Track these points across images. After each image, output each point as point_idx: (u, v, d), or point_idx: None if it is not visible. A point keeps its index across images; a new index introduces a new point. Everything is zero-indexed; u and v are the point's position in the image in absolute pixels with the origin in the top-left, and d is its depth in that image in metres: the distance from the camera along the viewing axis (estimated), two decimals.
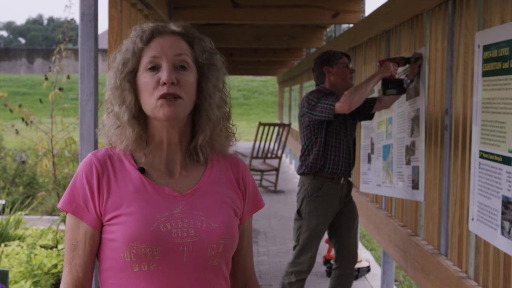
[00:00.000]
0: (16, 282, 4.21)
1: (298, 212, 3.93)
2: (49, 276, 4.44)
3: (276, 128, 11.79)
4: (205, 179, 1.50)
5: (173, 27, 1.49)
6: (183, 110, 1.43)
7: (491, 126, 2.42)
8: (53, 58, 6.25)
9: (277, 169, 10.48)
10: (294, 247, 3.96)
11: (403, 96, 3.73)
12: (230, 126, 1.53)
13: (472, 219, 2.60)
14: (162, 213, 1.42)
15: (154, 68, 1.44)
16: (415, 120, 3.56)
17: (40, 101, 6.44)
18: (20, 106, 6.15)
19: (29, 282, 4.16)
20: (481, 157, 2.51)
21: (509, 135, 2.26)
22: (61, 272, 4.54)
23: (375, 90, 4.23)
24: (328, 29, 9.46)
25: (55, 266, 4.58)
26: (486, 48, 2.47)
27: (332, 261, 5.06)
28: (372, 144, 4.45)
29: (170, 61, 1.43)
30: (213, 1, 6.37)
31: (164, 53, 1.43)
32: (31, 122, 6.05)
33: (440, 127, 3.21)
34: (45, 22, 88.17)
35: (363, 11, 6.39)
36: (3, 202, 7.21)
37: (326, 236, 4.44)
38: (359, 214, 4.20)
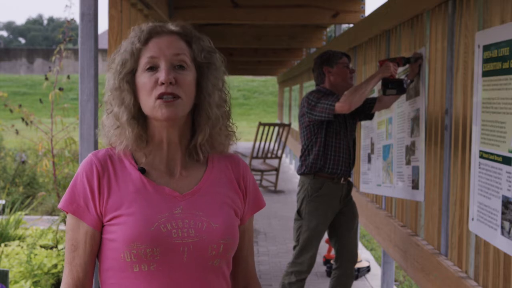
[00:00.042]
0: (16, 282, 4.21)
1: (298, 212, 3.93)
2: (49, 276, 4.44)
3: (276, 128, 11.79)
4: (205, 179, 1.50)
5: (171, 26, 1.49)
6: (182, 110, 1.43)
7: (491, 126, 2.42)
8: (53, 58, 6.25)
9: (277, 169, 10.48)
10: (294, 247, 3.96)
11: (403, 96, 3.73)
12: (230, 125, 1.53)
13: (472, 219, 2.60)
14: (163, 213, 1.42)
15: (153, 68, 1.44)
16: (415, 120, 3.56)
17: (40, 101, 6.44)
18: (20, 106, 6.15)
19: (29, 282, 4.16)
20: (481, 157, 2.51)
21: (509, 135, 2.26)
22: (61, 272, 4.55)
23: (375, 90, 4.23)
24: (328, 29, 9.46)
25: (55, 266, 4.58)
26: (486, 48, 2.47)
27: (332, 261, 5.06)
28: (372, 144, 4.45)
29: (168, 61, 1.43)
30: (213, 1, 6.37)
31: (162, 53, 1.43)
32: (31, 122, 6.05)
33: (440, 127, 3.21)
34: (45, 22, 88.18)
35: (363, 11, 6.39)
36: (3, 202, 7.21)
37: (326, 236, 4.44)
38: (359, 214, 4.20)
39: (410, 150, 3.62)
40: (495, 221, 2.36)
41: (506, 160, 2.27)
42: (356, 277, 5.32)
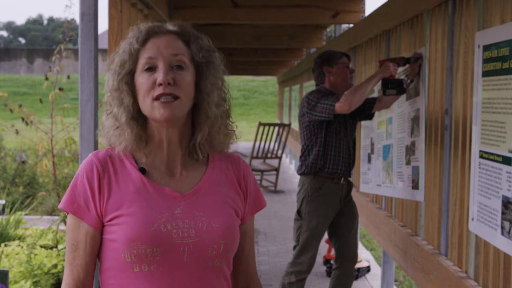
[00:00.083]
0: (16, 282, 4.21)
1: (298, 212, 3.93)
2: (49, 276, 4.44)
3: (276, 128, 11.79)
4: (206, 179, 1.50)
5: (169, 26, 1.49)
6: (180, 111, 1.43)
7: (491, 126, 2.42)
8: (53, 58, 6.25)
9: (277, 169, 10.48)
10: (294, 247, 3.96)
11: (403, 96, 3.73)
12: (230, 124, 1.53)
13: (472, 219, 2.60)
14: (163, 214, 1.42)
15: (151, 69, 1.44)
16: (415, 120, 3.56)
17: (40, 101, 6.44)
18: (20, 106, 6.15)
19: (29, 282, 4.16)
20: (481, 157, 2.51)
21: (509, 135, 2.26)
22: (61, 272, 4.54)
23: (375, 90, 4.23)
24: (328, 29, 9.46)
25: (55, 266, 4.58)
26: (486, 48, 2.47)
27: (332, 261, 5.06)
28: (372, 144, 4.45)
29: (167, 61, 1.43)
30: (213, 1, 6.37)
31: (160, 53, 1.43)
32: (31, 122, 6.05)
33: (440, 127, 3.21)
34: (45, 22, 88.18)
35: (363, 11, 6.39)
36: (3, 202, 7.21)
37: (326, 236, 4.44)
38: (359, 214, 4.20)
39: (410, 150, 3.62)
40: (495, 221, 2.36)
41: (506, 160, 2.27)
42: (356, 277, 5.32)
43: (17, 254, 4.83)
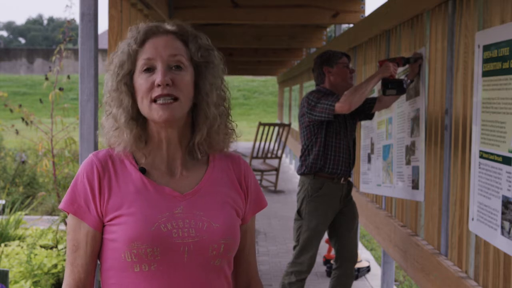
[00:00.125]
0: (16, 282, 4.21)
1: (298, 212, 3.93)
2: (49, 276, 4.44)
3: (276, 128, 11.80)
4: (206, 179, 1.50)
5: (167, 26, 1.49)
6: (179, 112, 1.43)
7: (491, 126, 2.42)
8: (53, 58, 6.24)
9: (277, 169, 10.48)
10: (294, 247, 3.96)
11: (403, 96, 3.73)
12: (229, 123, 1.53)
13: (472, 219, 2.60)
14: (163, 213, 1.42)
15: (149, 69, 1.43)
16: (415, 120, 3.56)
17: (40, 101, 6.43)
18: (20, 106, 6.14)
19: (29, 282, 4.16)
20: (481, 157, 2.51)
21: (509, 135, 2.26)
22: (61, 272, 4.54)
23: (375, 90, 4.23)
24: (328, 29, 9.46)
25: (55, 266, 4.58)
26: (486, 48, 2.47)
27: (332, 261, 5.06)
28: (372, 144, 4.45)
29: (165, 62, 1.43)
30: (213, 1, 6.37)
31: (159, 54, 1.43)
32: (31, 122, 6.05)
33: (440, 127, 3.21)
34: (45, 22, 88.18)
35: (363, 11, 6.39)
36: (3, 202, 7.21)
37: (326, 236, 4.44)
38: (359, 214, 4.20)
39: (410, 150, 3.62)
40: (495, 221, 2.36)
41: (506, 160, 2.27)
42: (356, 277, 5.32)
43: (17, 254, 4.83)
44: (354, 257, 4.03)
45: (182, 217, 1.43)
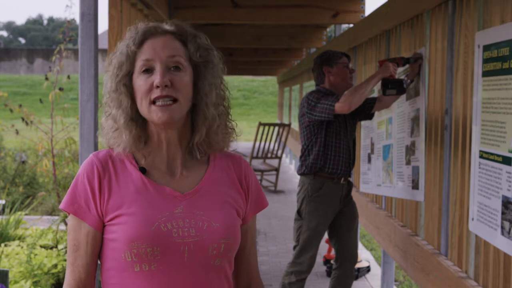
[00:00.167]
0: (16, 282, 4.21)
1: (298, 212, 3.93)
2: (49, 276, 4.44)
3: (276, 128, 11.80)
4: (206, 179, 1.50)
5: (166, 26, 1.48)
6: (178, 113, 1.42)
7: (491, 126, 2.42)
8: (53, 58, 6.24)
9: (277, 169, 10.48)
10: (294, 247, 3.96)
11: (403, 96, 3.73)
12: (229, 123, 1.52)
13: (472, 219, 2.60)
14: (163, 213, 1.42)
15: (148, 70, 1.43)
16: (415, 120, 3.56)
17: (40, 101, 6.43)
18: (20, 106, 6.14)
19: (29, 282, 4.16)
20: (481, 157, 2.51)
21: (509, 135, 2.26)
22: (61, 272, 4.54)
23: (375, 90, 4.23)
24: (328, 29, 9.47)
25: (55, 266, 4.58)
26: (486, 48, 2.47)
27: (332, 261, 5.06)
28: (372, 144, 4.45)
29: (164, 63, 1.43)
30: (213, 1, 6.37)
31: (157, 55, 1.43)
32: (31, 122, 6.05)
33: (440, 127, 3.21)
34: (45, 22, 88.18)
35: (363, 11, 6.39)
36: (3, 202, 7.21)
37: (326, 236, 4.44)
38: (359, 214, 4.20)
39: (410, 150, 3.62)
40: (495, 221, 2.36)
41: (506, 160, 2.27)
42: (356, 277, 5.32)
43: (17, 254, 4.83)
44: (354, 257, 4.03)
45: (182, 216, 1.42)
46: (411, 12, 3.68)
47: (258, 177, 10.80)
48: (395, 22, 4.08)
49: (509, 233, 2.25)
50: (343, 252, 4.00)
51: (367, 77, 3.96)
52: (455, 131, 2.96)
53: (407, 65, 3.59)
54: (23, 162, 9.82)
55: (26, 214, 7.04)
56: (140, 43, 1.45)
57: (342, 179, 3.91)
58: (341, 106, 3.61)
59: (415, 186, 3.55)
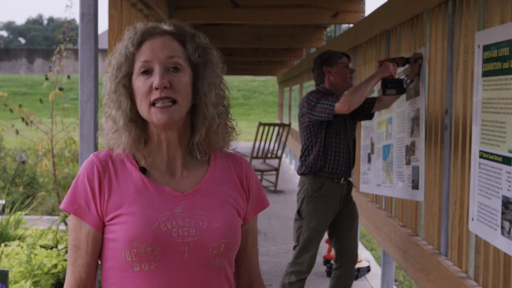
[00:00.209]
0: (16, 282, 4.21)
1: (298, 212, 3.93)
2: (49, 276, 4.44)
3: (276, 128, 11.80)
4: (207, 179, 1.50)
5: (164, 26, 1.48)
6: (178, 114, 1.42)
7: (491, 126, 2.42)
8: (53, 58, 6.24)
9: (277, 169, 10.48)
10: (294, 247, 3.96)
11: (403, 96, 3.73)
12: (229, 122, 1.52)
13: (472, 219, 2.60)
14: (163, 213, 1.42)
15: (147, 71, 1.43)
16: (415, 120, 3.56)
17: (40, 101, 6.43)
18: (20, 106, 6.14)
19: (29, 282, 4.16)
20: (481, 157, 2.51)
21: (509, 135, 2.26)
22: (61, 272, 4.55)
23: (375, 90, 4.23)
24: (328, 29, 9.47)
25: (55, 266, 4.58)
26: (486, 48, 2.47)
27: (332, 261, 5.06)
28: (372, 144, 4.45)
29: (162, 64, 1.42)
30: (213, 1, 6.37)
31: (156, 56, 1.43)
32: (31, 122, 6.05)
33: (440, 127, 3.21)
34: (45, 22, 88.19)
35: (363, 11, 6.39)
36: (3, 202, 7.21)
37: (326, 236, 4.44)
38: (359, 214, 4.20)
39: (410, 150, 3.62)
40: (495, 221, 2.36)
41: (506, 160, 2.27)
42: (356, 277, 5.32)
43: (17, 254, 4.83)
44: (354, 257, 4.03)
45: (182, 216, 1.43)
46: (411, 12, 3.68)
47: (258, 177, 10.79)
48: (395, 22, 4.08)
49: (509, 233, 2.25)
50: (343, 252, 4.00)
51: (367, 77, 3.96)
52: (455, 131, 2.96)
53: (407, 65, 3.59)
54: (23, 162, 9.82)
55: (26, 214, 7.04)
56: (138, 44, 1.45)
57: (342, 179, 3.91)
58: (341, 106, 3.61)
59: (415, 186, 3.55)
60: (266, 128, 10.94)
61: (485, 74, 2.48)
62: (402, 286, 5.77)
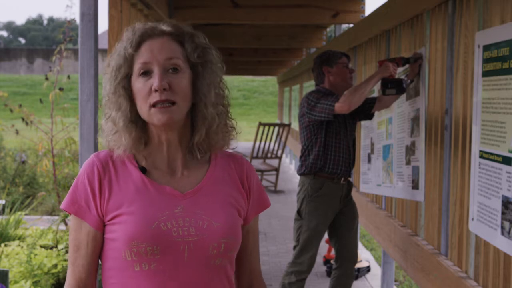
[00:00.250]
0: (16, 282, 4.21)
1: (298, 212, 3.93)
2: (49, 276, 4.44)
3: (276, 128, 11.80)
4: (207, 178, 1.50)
5: (163, 27, 1.48)
6: (178, 115, 1.42)
7: (491, 126, 2.42)
8: (53, 58, 6.24)
9: (277, 169, 10.48)
10: (294, 247, 3.96)
11: (403, 96, 3.73)
12: (228, 122, 1.52)
13: (472, 219, 2.60)
14: (163, 212, 1.42)
15: (146, 73, 1.43)
16: (415, 120, 3.56)
17: (40, 101, 6.44)
18: (20, 106, 6.14)
19: (29, 282, 4.16)
20: (481, 157, 2.51)
21: (509, 135, 2.26)
22: (61, 272, 4.55)
23: (375, 90, 4.23)
24: (328, 29, 9.47)
25: (55, 266, 4.58)
26: (486, 48, 2.47)
27: (332, 261, 5.06)
28: (372, 144, 4.45)
29: (161, 65, 1.42)
30: (213, 1, 6.37)
31: (155, 57, 1.43)
32: (31, 122, 6.05)
33: (440, 127, 3.21)
34: (45, 22, 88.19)
35: (363, 11, 6.39)
36: (3, 202, 7.21)
37: (326, 236, 4.44)
38: (359, 214, 4.20)
39: (410, 150, 3.62)
40: (495, 221, 2.36)
41: (506, 160, 2.27)
42: (356, 277, 5.32)
43: (17, 254, 4.83)
44: (354, 257, 4.03)
45: (182, 215, 1.43)
46: (411, 12, 3.68)
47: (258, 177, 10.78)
48: (395, 22, 4.08)
49: (509, 233, 2.25)
50: (343, 252, 4.00)
51: (367, 77, 3.96)
52: (455, 131, 2.96)
53: (407, 65, 3.59)
54: (23, 162, 9.82)
55: (26, 214, 7.04)
56: (137, 46, 1.45)
57: (342, 179, 3.91)
58: (341, 106, 3.61)
59: (415, 186, 3.55)
60: (266, 128, 10.94)
61: (485, 74, 2.48)
62: (402, 286, 5.77)
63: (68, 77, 6.09)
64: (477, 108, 2.56)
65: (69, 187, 5.72)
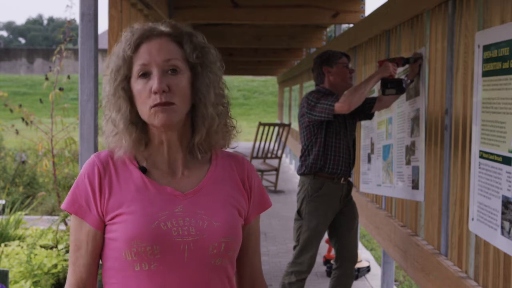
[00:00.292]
0: (16, 282, 4.21)
1: (298, 212, 3.93)
2: (49, 276, 4.44)
3: (276, 128, 11.80)
4: (208, 178, 1.50)
5: (161, 27, 1.47)
6: (177, 116, 1.42)
7: (491, 126, 2.42)
8: (53, 58, 6.24)
9: (277, 169, 10.48)
10: (294, 247, 3.96)
11: (403, 96, 3.73)
12: (228, 122, 1.52)
13: (472, 219, 2.60)
14: (163, 212, 1.42)
15: (146, 74, 1.43)
16: (415, 120, 3.56)
17: (40, 101, 6.44)
18: (20, 106, 6.14)
19: (29, 282, 4.16)
20: (481, 157, 2.51)
21: (509, 135, 2.26)
22: (61, 272, 4.55)
23: (375, 90, 4.23)
24: (328, 29, 9.47)
25: (55, 266, 4.58)
26: (486, 48, 2.47)
27: (332, 261, 5.06)
28: (372, 144, 4.45)
29: (160, 67, 1.42)
30: (213, 1, 6.37)
31: (153, 59, 1.42)
32: (31, 122, 6.05)
33: (440, 127, 3.21)
34: (45, 22, 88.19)
35: (363, 11, 6.40)
36: (3, 202, 7.22)
37: (326, 236, 4.44)
38: (359, 214, 4.20)
39: (410, 150, 3.62)
40: (495, 221, 2.36)
41: (506, 160, 2.27)
42: (356, 277, 5.32)
43: (17, 254, 4.83)
44: (354, 257, 4.03)
45: (182, 215, 1.43)
46: (411, 12, 3.68)
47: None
48: (395, 22, 4.08)
49: (509, 233, 2.25)
50: (343, 252, 4.00)
51: (366, 77, 3.96)
52: (455, 131, 2.96)
53: (407, 65, 3.59)
54: (23, 162, 9.82)
55: (26, 214, 7.04)
56: (135, 47, 1.44)
57: (342, 179, 3.91)
58: (341, 106, 3.61)
59: (415, 186, 3.55)
60: (266, 128, 10.94)
61: (485, 74, 2.48)
62: (402, 286, 5.77)
63: (68, 77, 6.09)
64: (477, 108, 2.56)
65: (69, 187, 5.72)
